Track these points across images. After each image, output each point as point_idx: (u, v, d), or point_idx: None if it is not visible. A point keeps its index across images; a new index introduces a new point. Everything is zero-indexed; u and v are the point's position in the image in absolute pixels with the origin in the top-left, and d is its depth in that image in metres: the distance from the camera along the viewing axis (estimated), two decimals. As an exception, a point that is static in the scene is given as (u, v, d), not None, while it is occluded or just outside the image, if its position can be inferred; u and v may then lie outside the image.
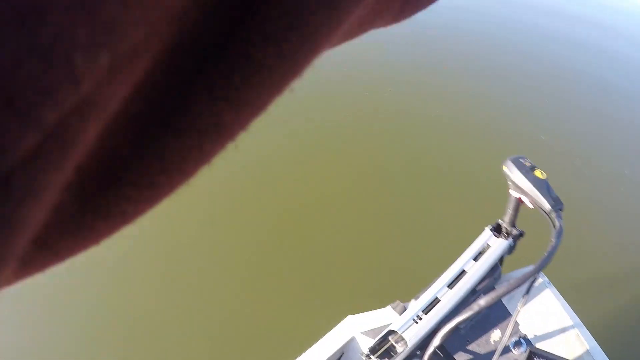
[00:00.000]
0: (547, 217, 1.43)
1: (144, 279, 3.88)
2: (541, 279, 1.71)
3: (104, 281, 4.00)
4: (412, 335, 1.49)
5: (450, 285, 1.59)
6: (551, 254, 1.33)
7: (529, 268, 1.33)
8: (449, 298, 1.55)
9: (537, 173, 1.50)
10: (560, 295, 1.69)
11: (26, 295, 3.95)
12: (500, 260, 1.69)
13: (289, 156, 4.70)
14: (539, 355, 1.41)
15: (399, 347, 1.50)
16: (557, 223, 1.38)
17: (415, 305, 1.57)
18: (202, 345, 2.45)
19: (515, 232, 1.70)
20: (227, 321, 2.43)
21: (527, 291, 1.45)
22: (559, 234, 1.36)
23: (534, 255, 1.43)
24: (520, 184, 1.50)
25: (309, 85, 5.61)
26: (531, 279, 1.38)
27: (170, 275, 3.48)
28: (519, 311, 1.44)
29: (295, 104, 4.94)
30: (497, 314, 1.64)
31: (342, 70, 6.25)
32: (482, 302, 1.31)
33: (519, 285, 1.30)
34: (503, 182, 1.65)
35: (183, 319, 2.73)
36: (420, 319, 1.53)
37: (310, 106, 5.22)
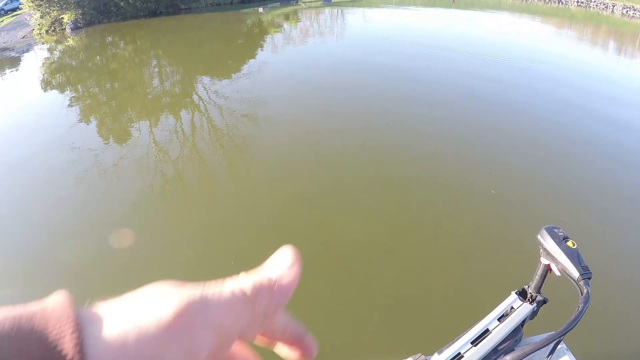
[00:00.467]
0: (575, 284, 1.50)
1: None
2: (560, 345, 1.76)
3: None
4: None
5: (474, 342, 1.64)
6: (577, 318, 1.37)
7: (555, 331, 1.36)
8: (472, 354, 1.60)
9: (569, 243, 1.58)
10: None
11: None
12: (522, 323, 1.75)
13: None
14: None
15: None
16: (584, 290, 1.44)
17: (438, 359, 1.62)
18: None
19: (539, 298, 1.78)
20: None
21: (552, 351, 1.51)
22: (586, 300, 1.41)
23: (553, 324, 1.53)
24: (552, 252, 1.59)
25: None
26: (556, 341, 1.41)
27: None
28: None
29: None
30: None
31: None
32: (515, 354, 1.36)
33: (547, 344, 1.33)
34: (528, 249, 1.77)
35: None
36: None
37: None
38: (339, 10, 26.94)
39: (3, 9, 32.41)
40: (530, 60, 13.01)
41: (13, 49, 22.02)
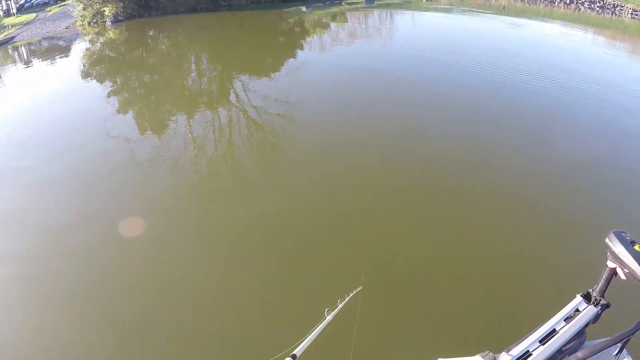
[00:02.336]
0: None
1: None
2: (625, 358, 1.73)
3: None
4: None
5: (542, 341, 1.68)
6: None
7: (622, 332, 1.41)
8: (539, 352, 1.64)
9: (637, 247, 1.60)
10: None
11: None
12: (586, 326, 1.77)
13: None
14: None
15: None
16: None
17: (507, 357, 1.64)
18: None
19: (603, 301, 1.80)
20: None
21: (622, 348, 1.56)
22: None
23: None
24: (619, 255, 1.62)
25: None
26: (624, 341, 1.46)
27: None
28: None
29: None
30: None
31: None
32: (580, 354, 1.45)
33: (616, 342, 1.41)
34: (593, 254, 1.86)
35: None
36: None
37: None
38: (386, 12, 26.49)
39: None
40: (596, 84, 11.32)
41: (57, 38, 22.46)
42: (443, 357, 1.80)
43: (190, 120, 9.27)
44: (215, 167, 7.21)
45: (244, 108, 9.80)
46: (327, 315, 2.38)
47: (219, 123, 9.03)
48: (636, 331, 1.44)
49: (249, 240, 5.22)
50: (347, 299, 2.67)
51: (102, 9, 25.13)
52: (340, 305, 2.56)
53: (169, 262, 4.95)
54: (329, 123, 8.61)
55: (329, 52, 16.34)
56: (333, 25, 22.61)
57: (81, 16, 25.61)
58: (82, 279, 4.83)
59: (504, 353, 1.69)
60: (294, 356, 1.85)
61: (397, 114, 8.85)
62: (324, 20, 23.68)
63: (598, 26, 25.53)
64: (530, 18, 25.83)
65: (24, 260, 5.20)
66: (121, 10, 24.97)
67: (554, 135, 7.85)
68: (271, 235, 5.25)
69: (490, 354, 1.72)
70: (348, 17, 25.25)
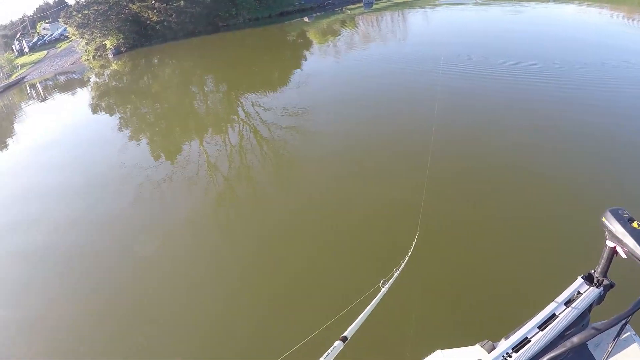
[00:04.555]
0: None
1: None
2: (628, 332, 1.73)
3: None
4: None
5: (541, 326, 1.67)
6: None
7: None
8: (539, 338, 1.62)
9: (635, 224, 1.56)
10: None
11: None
12: (589, 308, 1.74)
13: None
14: None
15: None
16: None
17: (506, 344, 1.64)
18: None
19: (606, 282, 1.76)
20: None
21: (618, 335, 1.51)
22: None
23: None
24: (617, 234, 1.58)
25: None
26: (622, 322, 1.44)
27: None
28: (613, 345, 1.49)
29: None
30: None
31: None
32: (575, 339, 1.38)
33: (619, 321, 1.38)
34: (592, 234, 1.81)
35: None
36: (510, 356, 1.59)
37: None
38: (392, 14, 26.36)
39: (64, 34, 34.02)
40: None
41: (65, 74, 22.84)
42: (442, 349, 1.81)
43: (202, 142, 9.28)
44: (231, 185, 7.21)
45: (254, 125, 9.74)
46: (382, 286, 2.24)
47: (231, 142, 9.00)
48: (636, 310, 1.42)
49: (269, 248, 5.30)
50: (400, 268, 2.53)
51: (103, 42, 25.52)
52: (396, 274, 2.44)
53: (197, 275, 5.04)
54: (342, 132, 8.46)
55: (340, 59, 16.20)
56: (342, 31, 22.52)
57: (85, 51, 26.07)
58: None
59: (502, 340, 1.69)
60: (344, 338, 1.75)
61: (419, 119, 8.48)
62: (329, 27, 23.69)
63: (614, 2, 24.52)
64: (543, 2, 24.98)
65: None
66: (122, 41, 25.35)
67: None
68: (292, 244, 5.30)
69: (490, 342, 1.72)
70: (358, 20, 25.19)
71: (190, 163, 8.12)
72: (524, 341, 1.64)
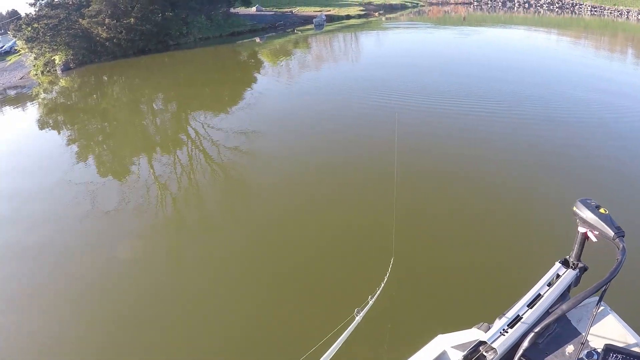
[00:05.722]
0: (612, 242, 1.75)
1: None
2: (603, 307, 1.94)
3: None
4: (501, 344, 1.75)
5: (530, 305, 1.89)
6: (617, 268, 1.61)
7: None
8: (529, 315, 1.84)
9: (602, 210, 1.83)
10: (621, 319, 1.91)
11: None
12: (568, 289, 2.03)
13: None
14: (616, 351, 1.58)
15: (489, 356, 1.75)
16: (620, 245, 1.70)
17: (500, 323, 1.85)
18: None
19: (580, 265, 2.05)
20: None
21: (600, 300, 1.68)
22: (623, 252, 1.67)
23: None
24: (587, 219, 1.85)
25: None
26: (603, 288, 1.59)
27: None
28: (592, 319, 1.67)
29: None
30: (569, 333, 1.86)
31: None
32: (564, 306, 1.60)
33: (595, 291, 1.55)
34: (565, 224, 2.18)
35: None
36: (506, 332, 1.80)
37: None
38: (344, 35, 27.26)
39: (14, 47, 32.84)
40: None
41: (11, 89, 22.29)
42: (442, 333, 1.97)
43: (151, 162, 9.57)
44: (181, 206, 7.38)
45: (204, 145, 10.13)
46: (357, 315, 2.22)
47: (180, 163, 9.34)
48: (611, 279, 1.58)
49: (226, 280, 5.18)
50: (370, 302, 2.49)
51: (52, 58, 25.11)
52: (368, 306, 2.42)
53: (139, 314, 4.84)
54: (292, 152, 8.89)
55: (292, 80, 16.87)
56: (295, 51, 23.35)
57: (34, 66, 25.55)
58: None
59: (497, 320, 1.88)
60: None
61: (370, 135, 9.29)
62: (281, 48, 24.31)
63: (561, 26, 26.61)
64: (504, 25, 26.62)
65: None
66: (71, 57, 25.02)
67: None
68: (253, 276, 5.16)
69: (485, 324, 1.90)
70: (310, 41, 26.15)
71: (138, 184, 8.28)
72: (516, 319, 1.84)
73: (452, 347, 1.88)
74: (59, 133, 13.52)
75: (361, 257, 5.13)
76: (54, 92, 20.39)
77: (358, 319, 2.16)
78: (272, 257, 5.43)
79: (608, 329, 1.85)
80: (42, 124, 14.56)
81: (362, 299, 2.42)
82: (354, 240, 5.53)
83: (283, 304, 4.59)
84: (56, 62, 25.04)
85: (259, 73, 18.68)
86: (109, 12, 25.53)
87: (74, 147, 11.61)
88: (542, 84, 12.84)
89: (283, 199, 6.91)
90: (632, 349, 1.67)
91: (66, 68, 24.52)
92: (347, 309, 2.26)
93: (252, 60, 22.14)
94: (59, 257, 6.11)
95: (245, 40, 28.54)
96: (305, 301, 4.57)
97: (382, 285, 2.78)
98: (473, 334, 1.90)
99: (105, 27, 25.22)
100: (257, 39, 28.35)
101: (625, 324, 1.88)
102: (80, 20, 25.37)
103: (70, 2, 26.70)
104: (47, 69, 25.05)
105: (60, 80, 22.50)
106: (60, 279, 5.61)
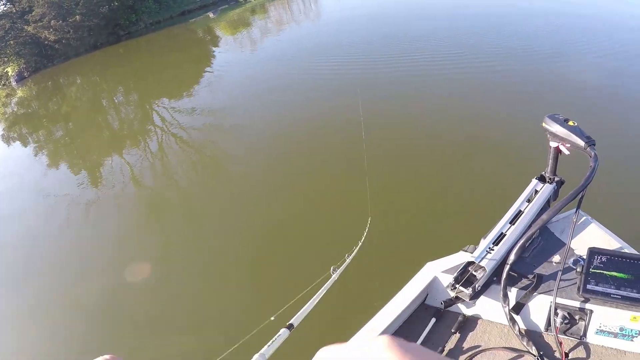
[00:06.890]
0: (584, 151, 1.76)
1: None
2: (585, 217, 2.00)
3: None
4: (488, 262, 1.82)
5: (512, 221, 1.96)
6: (591, 175, 1.65)
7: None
8: (512, 231, 1.91)
9: (570, 122, 1.84)
10: (603, 226, 1.95)
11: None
12: (547, 203, 2.06)
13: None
14: (600, 253, 1.66)
15: (479, 274, 1.81)
16: (592, 153, 1.71)
17: (485, 242, 1.91)
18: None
19: (557, 179, 2.10)
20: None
21: (578, 207, 1.75)
22: (595, 160, 1.69)
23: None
24: (558, 133, 1.85)
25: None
26: (581, 194, 1.65)
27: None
28: (573, 227, 1.70)
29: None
30: (554, 245, 1.92)
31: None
32: (545, 216, 1.64)
33: (572, 198, 1.61)
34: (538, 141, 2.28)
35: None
36: (492, 249, 1.87)
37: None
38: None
39: None
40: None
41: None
42: (431, 260, 2.01)
43: (122, 155, 9.48)
44: (159, 194, 7.38)
45: (172, 130, 9.99)
46: (333, 273, 2.19)
47: (151, 150, 9.29)
48: (586, 186, 1.63)
49: (213, 241, 5.39)
50: (351, 255, 2.48)
51: (5, 70, 24.35)
52: (347, 261, 2.42)
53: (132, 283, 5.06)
54: (262, 120, 8.78)
55: (254, 48, 16.52)
56: (252, 20, 22.60)
57: (-14, 81, 24.81)
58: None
59: (482, 240, 1.94)
60: (290, 326, 1.65)
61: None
62: (239, 18, 23.56)
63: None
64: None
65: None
66: (24, 66, 24.26)
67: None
68: (237, 238, 5.30)
69: (472, 246, 1.96)
70: (268, 7, 25.19)
71: (115, 178, 8.23)
72: (500, 236, 1.91)
73: (442, 271, 1.93)
74: (25, 146, 13.30)
75: (339, 221, 5.03)
76: (12, 105, 19.82)
77: (334, 276, 2.15)
78: (250, 222, 5.53)
79: (593, 237, 1.90)
80: (7, 140, 14.26)
81: (340, 259, 2.42)
82: (331, 205, 5.45)
83: (261, 267, 4.69)
84: (9, 74, 24.29)
85: (219, 47, 18.25)
86: (53, 13, 24.55)
87: (43, 157, 11.45)
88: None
89: (257, 169, 6.91)
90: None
91: (20, 78, 23.81)
92: (325, 269, 2.23)
93: (209, 36, 21.55)
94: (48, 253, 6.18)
95: (198, 18, 27.70)
96: (283, 264, 4.64)
97: (360, 243, 2.78)
98: (461, 257, 1.95)
99: (52, 30, 24.32)
100: (210, 14, 27.53)
101: (608, 230, 1.92)
102: (25, 27, 24.44)
103: (14, 10, 25.64)
104: (1, 82, 24.31)
105: (17, 91, 21.90)
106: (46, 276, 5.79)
